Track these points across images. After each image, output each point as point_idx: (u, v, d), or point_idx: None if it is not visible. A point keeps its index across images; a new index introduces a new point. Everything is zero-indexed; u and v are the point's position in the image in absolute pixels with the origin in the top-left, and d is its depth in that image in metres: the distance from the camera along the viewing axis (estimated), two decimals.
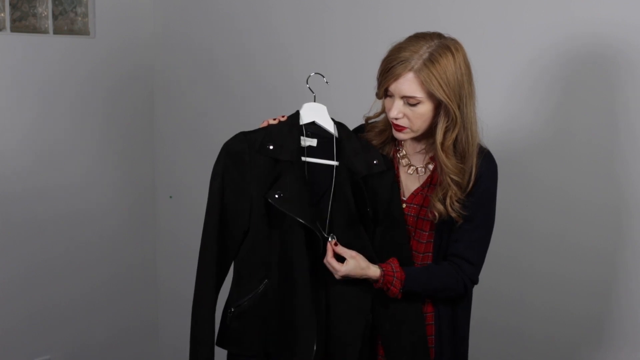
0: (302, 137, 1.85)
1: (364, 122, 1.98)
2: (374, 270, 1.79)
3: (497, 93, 2.46)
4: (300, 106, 1.89)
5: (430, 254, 1.87)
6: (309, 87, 1.88)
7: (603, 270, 2.29)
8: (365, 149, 1.87)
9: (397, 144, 1.93)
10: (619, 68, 2.21)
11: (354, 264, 1.76)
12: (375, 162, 1.84)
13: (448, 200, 1.78)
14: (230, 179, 1.81)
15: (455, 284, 1.84)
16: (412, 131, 1.80)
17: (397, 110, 1.76)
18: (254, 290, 1.82)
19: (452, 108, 1.73)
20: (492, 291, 2.48)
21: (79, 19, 3.17)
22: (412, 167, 1.90)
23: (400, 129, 1.81)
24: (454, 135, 1.76)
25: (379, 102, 1.87)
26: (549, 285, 2.39)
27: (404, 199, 1.89)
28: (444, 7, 2.52)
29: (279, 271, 1.79)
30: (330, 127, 1.87)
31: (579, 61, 2.28)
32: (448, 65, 1.71)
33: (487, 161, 1.83)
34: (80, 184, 3.21)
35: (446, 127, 1.76)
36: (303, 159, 1.82)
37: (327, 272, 1.79)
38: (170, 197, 3.46)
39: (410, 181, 1.91)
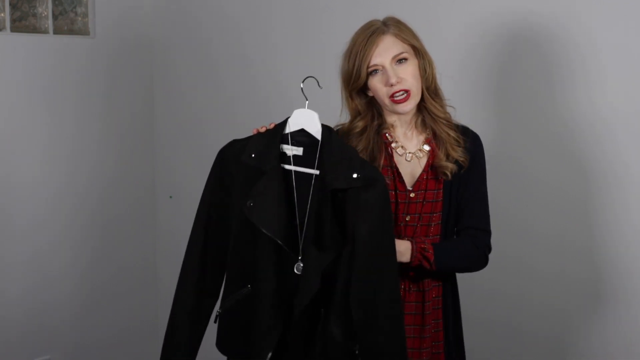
0: (286, 146, 1.80)
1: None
2: (401, 243, 1.81)
3: (498, 92, 2.47)
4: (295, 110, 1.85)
5: (438, 236, 1.91)
6: (303, 93, 1.84)
7: (603, 270, 2.29)
8: (348, 159, 1.74)
9: (387, 136, 1.93)
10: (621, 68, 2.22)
11: None
12: (355, 175, 1.72)
13: (452, 153, 1.88)
14: (219, 185, 1.83)
15: (477, 253, 1.92)
16: (413, 95, 1.85)
17: (394, 75, 1.83)
18: (234, 294, 1.82)
19: (424, 50, 1.89)
20: (492, 290, 2.48)
21: (79, 19, 3.17)
22: (409, 154, 1.92)
23: (403, 99, 1.84)
24: (433, 75, 1.89)
25: (346, 112, 1.94)
26: (549, 285, 2.39)
27: (410, 188, 1.90)
28: (444, 6, 2.53)
29: (254, 279, 1.79)
30: (318, 134, 1.80)
31: (579, 61, 2.29)
32: (403, 22, 1.89)
33: (475, 141, 1.94)
34: (80, 184, 3.21)
35: (425, 70, 1.88)
36: (286, 167, 1.78)
37: (293, 290, 1.74)
38: (170, 197, 3.46)
39: (411, 168, 1.92)
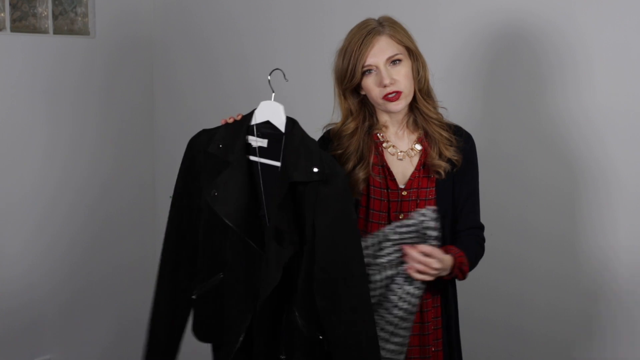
0: (251, 137, 1.81)
1: (323, 133, 1.99)
2: (446, 260, 1.83)
3: (499, 92, 2.47)
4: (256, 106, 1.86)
5: None
6: (270, 85, 1.84)
7: (603, 270, 2.29)
8: (308, 153, 1.74)
9: (379, 136, 1.94)
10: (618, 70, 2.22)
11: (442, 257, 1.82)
12: (315, 169, 1.71)
13: (444, 152, 1.89)
14: (188, 175, 1.86)
15: (482, 251, 1.98)
16: (404, 96, 1.86)
17: (387, 76, 1.84)
18: (206, 282, 1.85)
19: (418, 52, 1.91)
20: (492, 289, 2.48)
21: (79, 19, 3.17)
22: (401, 152, 1.94)
23: (393, 98, 1.85)
24: (426, 76, 1.90)
25: (338, 111, 1.96)
26: (549, 284, 2.39)
27: (402, 187, 1.91)
28: (443, 5, 2.53)
29: (223, 268, 1.81)
30: (282, 126, 1.80)
31: (580, 62, 2.29)
32: (398, 23, 1.91)
33: (468, 140, 1.96)
34: (80, 184, 3.21)
35: (418, 72, 1.90)
36: (252, 158, 1.80)
37: (260, 280, 1.75)
38: (170, 197, 3.45)
39: (403, 167, 1.93)
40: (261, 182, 1.80)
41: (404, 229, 1.78)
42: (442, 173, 1.90)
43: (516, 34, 2.39)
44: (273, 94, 1.83)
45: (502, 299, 2.48)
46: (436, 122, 1.92)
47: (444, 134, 1.90)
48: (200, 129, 3.37)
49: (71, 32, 3.15)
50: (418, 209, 1.83)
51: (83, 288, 3.24)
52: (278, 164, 1.78)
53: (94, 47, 3.21)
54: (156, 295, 1.93)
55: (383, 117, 1.95)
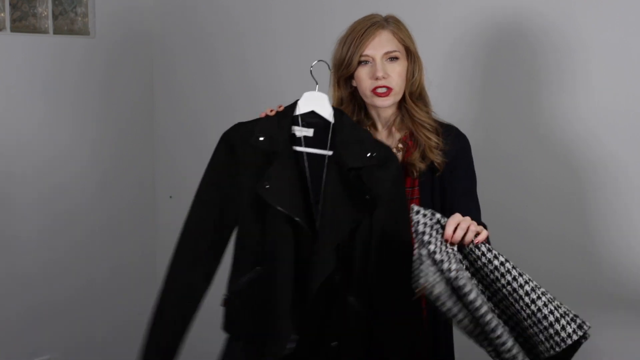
0: (296, 127, 1.83)
1: None
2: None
3: (500, 91, 2.47)
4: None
5: None
6: (312, 76, 1.87)
7: (603, 270, 2.29)
8: (361, 139, 1.80)
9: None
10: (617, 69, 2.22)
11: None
12: (369, 154, 1.77)
13: (429, 155, 1.87)
14: (222, 168, 1.83)
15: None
16: (394, 93, 1.86)
17: (381, 69, 1.84)
18: (244, 276, 1.82)
19: (417, 55, 1.92)
20: None
21: (79, 19, 3.18)
22: None
23: (383, 93, 1.86)
24: (420, 80, 1.91)
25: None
26: (549, 284, 2.38)
27: None
28: (443, 6, 2.53)
29: (266, 261, 1.79)
30: (329, 116, 1.83)
31: (578, 63, 2.29)
32: (403, 23, 1.92)
33: (460, 138, 1.93)
34: (80, 184, 3.21)
35: (413, 74, 1.90)
36: (297, 149, 1.81)
37: (310, 269, 1.76)
38: (170, 197, 3.46)
39: None
40: (308, 171, 1.81)
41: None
42: (415, 173, 1.88)
43: (516, 32, 2.39)
44: (317, 85, 1.86)
45: None
46: (426, 124, 1.90)
47: (433, 137, 1.89)
48: (201, 129, 3.39)
49: (71, 32, 3.15)
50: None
51: (83, 288, 3.24)
52: (326, 152, 1.81)
53: (94, 47, 3.21)
54: (163, 297, 1.87)
55: (371, 113, 1.96)
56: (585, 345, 2.37)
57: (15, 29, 2.96)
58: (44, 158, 3.08)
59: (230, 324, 1.86)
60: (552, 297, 1.64)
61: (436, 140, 1.88)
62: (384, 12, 1.94)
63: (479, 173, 1.97)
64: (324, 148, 1.82)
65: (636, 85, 2.18)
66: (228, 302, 1.85)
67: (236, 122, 1.90)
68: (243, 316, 1.83)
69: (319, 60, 1.90)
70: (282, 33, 2.99)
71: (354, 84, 1.92)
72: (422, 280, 1.57)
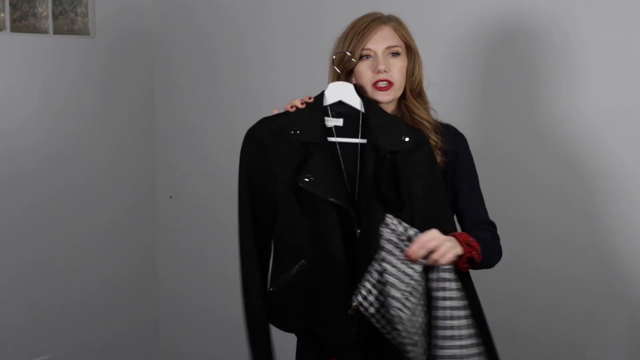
0: (327, 118, 1.84)
1: None
2: (446, 238, 1.70)
3: (500, 91, 2.47)
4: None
5: None
6: (335, 67, 1.88)
7: (603, 270, 2.29)
8: (395, 125, 1.82)
9: None
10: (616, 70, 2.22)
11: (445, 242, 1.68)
12: (405, 138, 1.79)
13: None
14: (255, 164, 1.84)
15: (498, 244, 1.90)
16: (394, 88, 1.87)
17: (383, 63, 1.85)
18: (289, 270, 1.81)
19: (417, 53, 1.93)
20: (491, 289, 2.47)
21: (79, 19, 3.18)
22: None
23: (384, 87, 1.86)
24: (420, 78, 1.92)
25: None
26: (549, 284, 2.39)
27: None
28: (443, 5, 2.53)
29: (314, 251, 1.79)
30: (357, 105, 1.85)
31: (580, 62, 2.29)
32: (404, 23, 1.94)
33: (458, 137, 1.94)
34: (80, 184, 3.21)
35: (413, 72, 1.91)
36: (330, 139, 1.83)
37: (361, 252, 1.76)
38: (170, 197, 3.46)
39: None
40: (341, 160, 1.83)
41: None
42: None
43: (516, 32, 2.39)
44: (338, 76, 1.88)
45: (502, 299, 2.47)
46: (425, 122, 1.91)
47: (433, 136, 1.89)
48: (201, 129, 3.39)
49: (71, 32, 3.15)
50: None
51: (83, 288, 3.24)
52: (358, 140, 1.83)
53: (94, 47, 3.21)
54: (248, 297, 1.87)
55: None
56: (585, 345, 2.38)
57: (15, 29, 2.97)
58: (43, 158, 3.08)
59: (279, 318, 1.87)
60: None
61: (435, 139, 1.89)
62: (384, 12, 1.95)
63: (479, 173, 1.98)
64: (355, 137, 1.84)
65: (636, 85, 2.18)
66: (275, 298, 1.84)
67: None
68: (293, 309, 1.83)
69: (340, 52, 1.88)
70: (282, 33, 2.99)
71: (354, 80, 1.93)
72: (358, 298, 1.67)
